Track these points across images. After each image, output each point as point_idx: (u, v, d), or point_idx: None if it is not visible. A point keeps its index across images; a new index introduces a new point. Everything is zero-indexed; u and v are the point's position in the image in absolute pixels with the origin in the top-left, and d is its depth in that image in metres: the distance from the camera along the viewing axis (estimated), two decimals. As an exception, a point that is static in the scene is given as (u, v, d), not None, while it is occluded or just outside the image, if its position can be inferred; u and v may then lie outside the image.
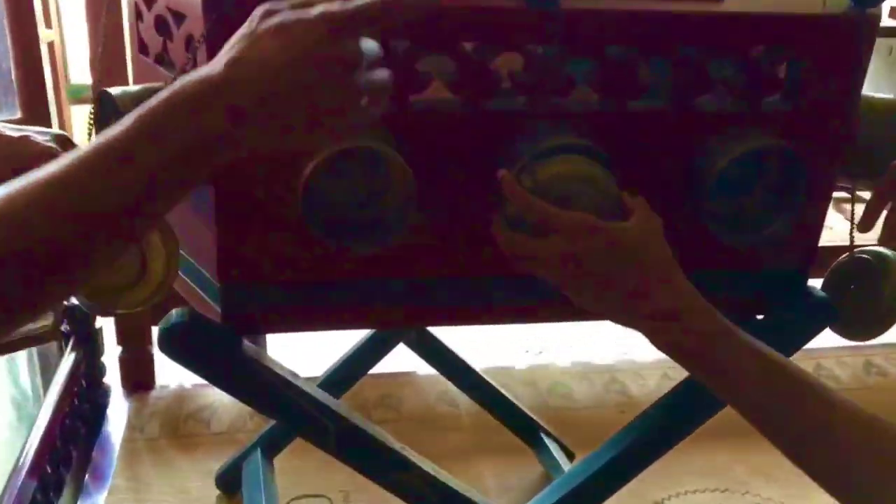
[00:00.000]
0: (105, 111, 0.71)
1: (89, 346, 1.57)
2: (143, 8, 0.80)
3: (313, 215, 0.68)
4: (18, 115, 1.39)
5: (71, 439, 1.44)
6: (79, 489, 1.42)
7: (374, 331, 1.30)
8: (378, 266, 0.74)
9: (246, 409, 1.57)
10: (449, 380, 1.39)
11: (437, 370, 1.38)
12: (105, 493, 1.41)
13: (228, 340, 0.75)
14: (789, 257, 0.83)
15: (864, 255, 0.85)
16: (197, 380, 1.62)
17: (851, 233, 0.82)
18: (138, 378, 1.68)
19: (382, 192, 0.70)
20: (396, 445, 0.84)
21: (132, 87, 0.73)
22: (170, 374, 1.70)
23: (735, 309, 0.83)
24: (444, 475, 0.86)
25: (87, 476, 1.45)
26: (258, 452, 1.32)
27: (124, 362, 1.68)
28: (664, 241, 0.67)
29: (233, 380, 0.78)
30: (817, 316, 0.84)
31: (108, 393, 1.66)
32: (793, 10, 0.74)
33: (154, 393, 1.66)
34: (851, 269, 0.85)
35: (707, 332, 0.65)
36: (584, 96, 0.73)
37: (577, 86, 0.73)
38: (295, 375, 0.81)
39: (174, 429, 1.55)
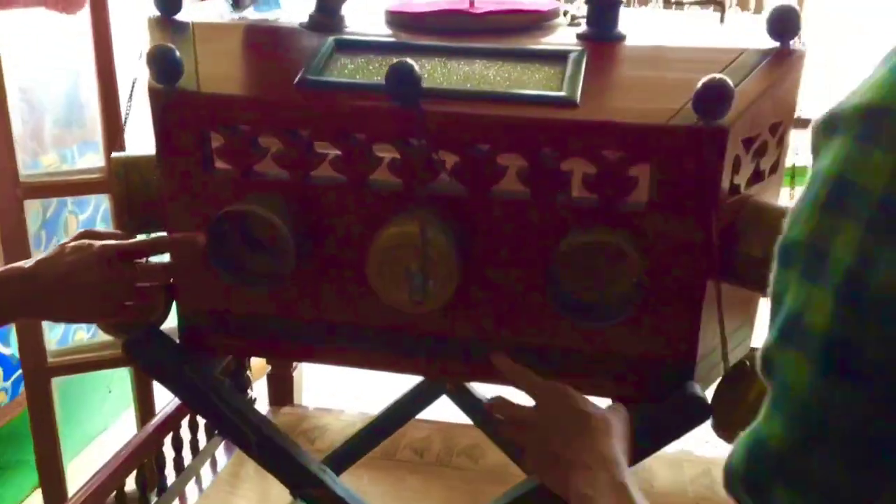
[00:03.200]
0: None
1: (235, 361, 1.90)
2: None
3: (219, 262, 0.88)
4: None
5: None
6: (194, 473, 1.73)
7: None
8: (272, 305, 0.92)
9: (346, 431, 1.78)
10: (485, 434, 1.49)
11: (473, 422, 1.48)
12: (213, 478, 1.70)
13: (176, 356, 0.96)
14: (659, 349, 0.86)
15: (745, 358, 0.85)
16: (324, 404, 1.88)
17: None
18: (280, 394, 1.98)
19: (274, 246, 0.88)
20: (314, 466, 1.00)
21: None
22: (313, 396, 1.98)
23: (616, 393, 0.89)
24: (353, 497, 0.99)
25: (205, 464, 1.76)
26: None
27: (271, 379, 1.99)
28: (613, 442, 0.74)
29: (176, 387, 0.99)
30: (688, 411, 0.86)
31: (250, 401, 1.97)
32: (641, 120, 0.79)
33: (286, 409, 1.94)
34: (733, 369, 0.86)
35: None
36: (450, 184, 0.84)
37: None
38: (232, 393, 1.00)
39: (284, 440, 1.81)
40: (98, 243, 0.82)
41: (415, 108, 0.81)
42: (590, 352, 0.87)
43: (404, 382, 1.61)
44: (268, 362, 1.96)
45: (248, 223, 0.88)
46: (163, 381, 0.98)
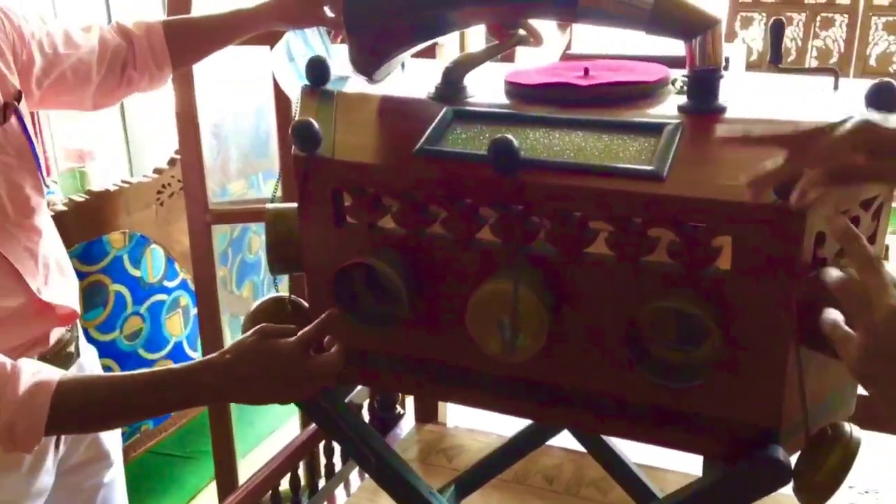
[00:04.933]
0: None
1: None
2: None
3: (345, 304, 1.01)
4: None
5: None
6: (343, 479, 1.89)
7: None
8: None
9: (483, 452, 1.88)
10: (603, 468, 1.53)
11: (591, 455, 1.53)
12: (360, 483, 1.86)
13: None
14: (744, 412, 0.89)
15: (828, 426, 0.87)
16: (468, 424, 2.00)
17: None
18: (426, 412, 2.11)
19: (390, 295, 1.00)
20: (424, 489, 1.10)
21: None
22: (459, 416, 2.10)
23: (700, 451, 0.94)
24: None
25: (353, 472, 1.92)
26: (452, 488, 1.63)
27: (418, 397, 2.12)
28: None
29: (310, 411, 1.12)
30: (770, 473, 0.88)
31: (397, 416, 2.11)
32: (724, 195, 0.84)
33: (430, 426, 2.07)
34: (816, 435, 0.88)
35: None
36: (544, 246, 0.93)
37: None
38: (357, 418, 1.13)
39: (425, 456, 1.94)
40: (280, 346, 0.97)
41: (513, 177, 0.90)
42: (675, 409, 0.92)
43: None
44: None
45: (371, 272, 1.00)
46: (300, 407, 1.12)
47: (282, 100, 1.90)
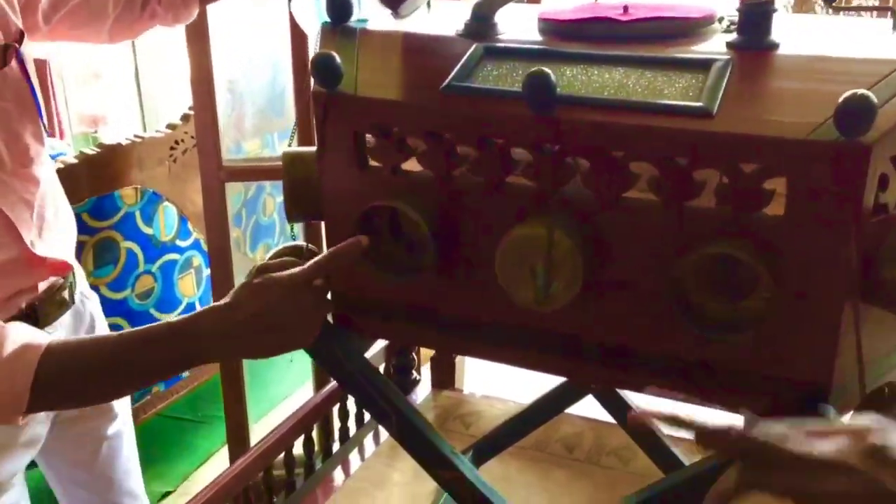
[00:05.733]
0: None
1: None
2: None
3: (368, 253, 0.95)
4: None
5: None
6: (357, 443, 1.85)
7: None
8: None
9: (501, 419, 1.84)
10: (632, 439, 1.48)
11: (620, 425, 1.48)
12: (376, 449, 1.81)
13: (328, 336, 1.04)
14: (794, 369, 0.83)
15: (884, 385, 0.81)
16: (485, 390, 1.95)
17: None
18: (442, 378, 2.06)
19: (416, 242, 0.94)
20: (447, 449, 1.05)
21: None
22: (475, 381, 2.06)
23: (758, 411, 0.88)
24: (483, 483, 1.04)
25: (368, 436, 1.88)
26: (470, 454, 1.59)
27: (434, 362, 2.08)
28: None
29: (326, 363, 1.07)
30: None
31: (413, 382, 2.07)
32: (779, 133, 0.77)
33: (447, 392, 2.02)
34: (870, 395, 0.82)
35: None
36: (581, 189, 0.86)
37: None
38: (377, 374, 1.08)
39: (441, 422, 1.89)
40: (281, 276, 0.88)
41: (549, 114, 0.84)
42: (718, 365, 0.86)
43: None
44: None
45: (395, 217, 0.94)
46: (317, 358, 1.07)
47: (298, 43, 1.84)
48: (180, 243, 2.35)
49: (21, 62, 1.14)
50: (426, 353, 2.13)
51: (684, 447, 1.43)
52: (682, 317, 0.84)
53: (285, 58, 1.91)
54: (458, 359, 2.09)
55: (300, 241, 1.09)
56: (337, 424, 1.85)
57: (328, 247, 1.03)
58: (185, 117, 2.19)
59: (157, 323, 0.89)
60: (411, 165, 0.96)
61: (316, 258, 0.91)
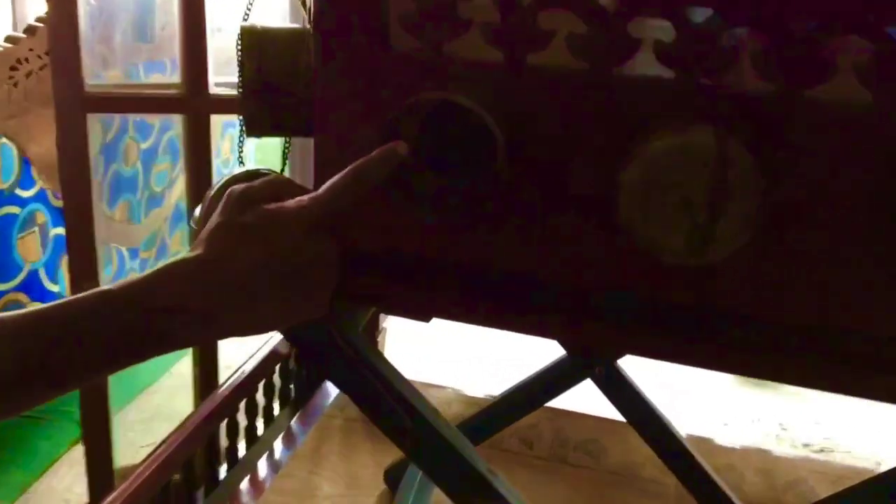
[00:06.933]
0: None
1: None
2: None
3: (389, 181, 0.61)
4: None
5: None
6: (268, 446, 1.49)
7: (559, 360, 1.20)
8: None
9: (442, 410, 1.54)
10: (640, 436, 1.22)
11: (627, 420, 1.21)
12: (292, 453, 1.46)
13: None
14: None
15: None
16: (424, 378, 1.64)
17: None
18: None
19: (476, 162, 0.61)
20: (482, 466, 0.74)
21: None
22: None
23: None
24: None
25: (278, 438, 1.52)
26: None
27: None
28: None
29: (312, 349, 0.73)
30: None
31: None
32: None
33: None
34: None
35: None
36: (739, 78, 0.57)
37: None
38: (386, 363, 0.75)
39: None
40: (287, 207, 0.54)
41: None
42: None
43: (500, 362, 1.36)
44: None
45: (443, 125, 0.61)
46: (300, 343, 0.72)
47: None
48: (21, 193, 1.92)
49: None
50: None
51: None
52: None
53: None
54: (379, 339, 1.77)
55: (262, 167, 0.74)
56: (243, 423, 1.47)
57: (316, 173, 0.69)
58: (30, 29, 1.71)
59: (78, 296, 0.50)
60: (462, 49, 0.63)
61: (331, 180, 0.56)
